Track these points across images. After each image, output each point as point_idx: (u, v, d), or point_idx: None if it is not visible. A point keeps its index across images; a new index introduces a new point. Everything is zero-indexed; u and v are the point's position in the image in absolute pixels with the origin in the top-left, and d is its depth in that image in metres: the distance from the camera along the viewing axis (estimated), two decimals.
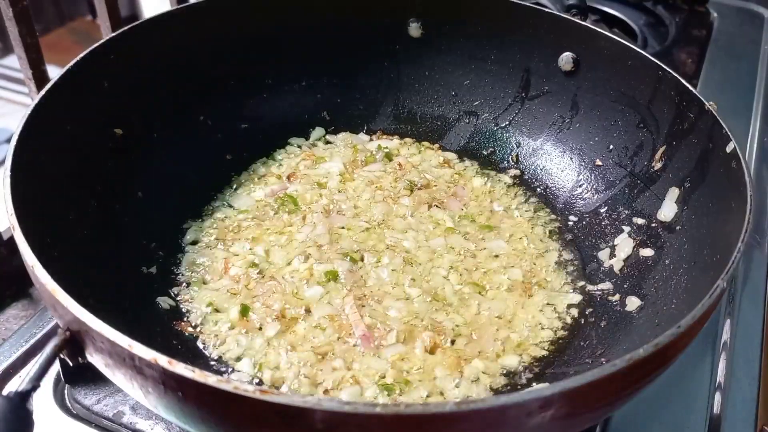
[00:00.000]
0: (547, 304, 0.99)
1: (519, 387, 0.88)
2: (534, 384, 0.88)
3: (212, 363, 0.89)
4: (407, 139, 1.29)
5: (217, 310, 0.95)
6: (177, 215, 1.08)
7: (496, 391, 0.87)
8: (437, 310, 0.96)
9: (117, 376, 0.65)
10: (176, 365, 0.57)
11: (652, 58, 1.05)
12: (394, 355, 0.89)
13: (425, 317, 0.94)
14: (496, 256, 1.06)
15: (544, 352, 0.92)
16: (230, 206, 1.12)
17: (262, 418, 0.58)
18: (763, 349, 1.03)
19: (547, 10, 1.19)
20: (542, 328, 0.95)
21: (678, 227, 0.98)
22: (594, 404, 0.65)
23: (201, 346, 0.91)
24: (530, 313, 0.97)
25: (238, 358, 0.89)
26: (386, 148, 1.25)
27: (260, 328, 0.92)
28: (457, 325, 0.94)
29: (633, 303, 0.95)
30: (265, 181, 1.18)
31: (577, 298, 1.00)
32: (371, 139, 1.28)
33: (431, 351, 0.90)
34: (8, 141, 0.81)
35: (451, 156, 1.26)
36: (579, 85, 1.17)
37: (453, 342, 0.92)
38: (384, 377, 0.87)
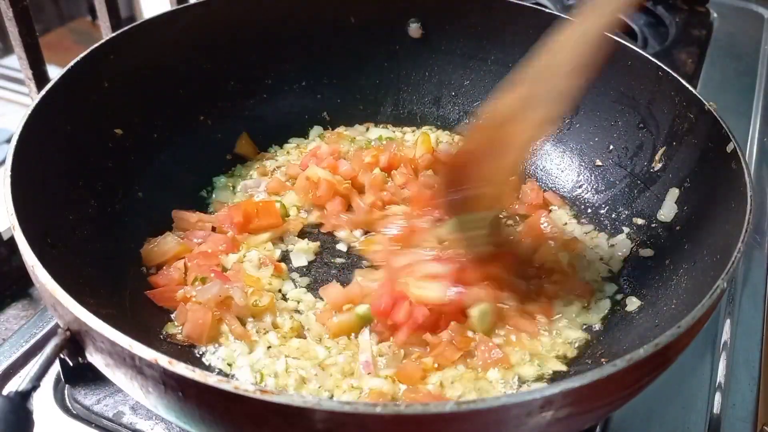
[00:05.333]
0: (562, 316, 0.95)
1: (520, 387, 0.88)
2: (534, 384, 0.88)
3: (213, 364, 0.89)
4: (406, 128, 1.29)
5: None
6: None
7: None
8: None
9: (117, 376, 0.65)
10: (177, 365, 0.57)
11: (652, 58, 1.05)
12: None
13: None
14: None
15: (564, 367, 0.88)
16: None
17: (262, 418, 0.58)
18: (763, 349, 1.03)
19: (547, 10, 1.19)
20: (562, 343, 0.92)
21: (678, 227, 0.98)
22: (594, 404, 0.65)
23: (201, 347, 0.90)
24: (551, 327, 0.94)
25: (238, 363, 0.88)
26: (387, 138, 1.25)
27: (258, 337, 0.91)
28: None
29: (633, 303, 0.95)
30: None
31: (580, 302, 0.98)
32: (368, 130, 1.28)
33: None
34: (8, 141, 0.81)
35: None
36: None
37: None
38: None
